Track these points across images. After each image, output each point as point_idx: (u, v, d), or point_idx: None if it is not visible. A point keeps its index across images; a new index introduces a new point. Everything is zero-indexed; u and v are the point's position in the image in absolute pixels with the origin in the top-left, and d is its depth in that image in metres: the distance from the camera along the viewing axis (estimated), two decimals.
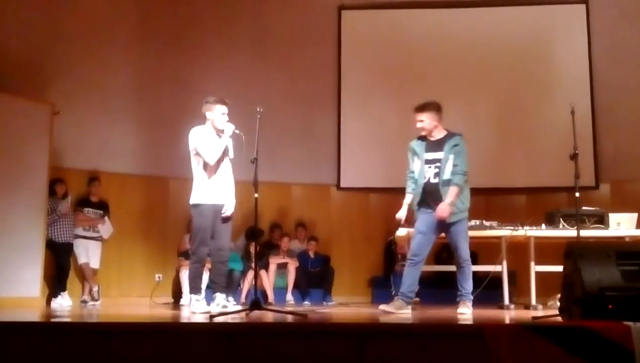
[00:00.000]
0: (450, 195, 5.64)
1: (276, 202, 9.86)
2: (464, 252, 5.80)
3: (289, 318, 4.66)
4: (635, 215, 7.06)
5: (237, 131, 5.75)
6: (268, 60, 10.18)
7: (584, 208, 6.97)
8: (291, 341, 3.58)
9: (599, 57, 10.02)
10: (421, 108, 5.87)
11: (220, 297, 5.89)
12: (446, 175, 5.71)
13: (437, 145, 5.83)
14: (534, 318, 4.83)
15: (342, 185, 10.38)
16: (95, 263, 8.69)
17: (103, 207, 8.87)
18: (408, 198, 5.97)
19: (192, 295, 5.82)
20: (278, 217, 10.01)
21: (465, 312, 5.62)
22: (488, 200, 9.92)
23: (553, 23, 10.32)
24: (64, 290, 8.17)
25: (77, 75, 9.00)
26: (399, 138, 10.26)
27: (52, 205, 8.19)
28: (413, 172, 5.95)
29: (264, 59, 10.17)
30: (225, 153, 5.84)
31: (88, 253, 8.60)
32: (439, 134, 5.87)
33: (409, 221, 6.14)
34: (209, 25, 10.08)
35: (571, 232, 6.68)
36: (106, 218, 8.82)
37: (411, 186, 5.97)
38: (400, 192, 9.91)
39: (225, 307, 5.76)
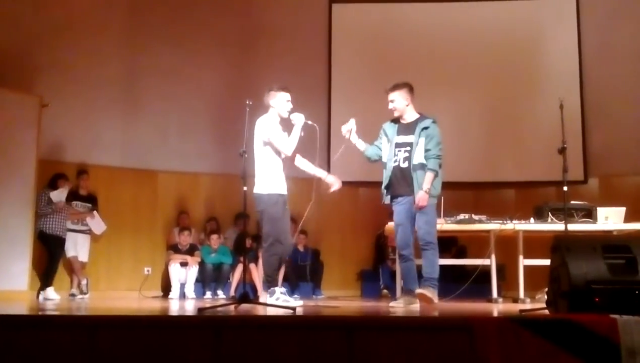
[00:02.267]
0: (426, 181, 5.49)
1: None
2: (426, 232, 5.57)
3: (278, 311, 4.66)
4: (623, 209, 7.11)
5: (310, 122, 5.67)
6: (258, 53, 10.16)
7: (572, 202, 7.01)
8: (280, 334, 3.58)
9: (589, 51, 10.05)
10: (391, 88, 5.78)
11: (278, 291, 5.67)
12: (416, 159, 5.58)
13: (408, 129, 5.71)
14: (522, 311, 4.85)
15: None
16: (83, 257, 8.67)
17: (91, 200, 8.83)
18: (362, 145, 5.89)
19: (275, 288, 5.61)
20: None
21: (428, 293, 5.46)
22: (477, 194, 9.96)
23: (543, 17, 10.34)
24: (49, 285, 8.05)
25: (66, 67, 8.95)
26: None
27: (45, 197, 8.10)
28: (378, 145, 5.88)
29: (255, 52, 10.15)
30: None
31: (76, 247, 8.57)
32: (410, 117, 5.75)
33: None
34: (199, 18, 10.04)
35: (559, 226, 6.70)
36: (96, 213, 8.77)
37: (372, 148, 5.90)
38: None
39: (287, 301, 5.52)
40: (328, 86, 10.45)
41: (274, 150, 5.71)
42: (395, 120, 5.84)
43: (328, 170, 10.21)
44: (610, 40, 9.89)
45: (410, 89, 5.77)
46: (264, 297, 5.67)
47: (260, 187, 5.72)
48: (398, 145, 5.70)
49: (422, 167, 5.55)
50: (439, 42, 10.31)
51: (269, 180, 5.71)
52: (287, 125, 5.83)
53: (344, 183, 10.12)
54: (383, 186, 5.79)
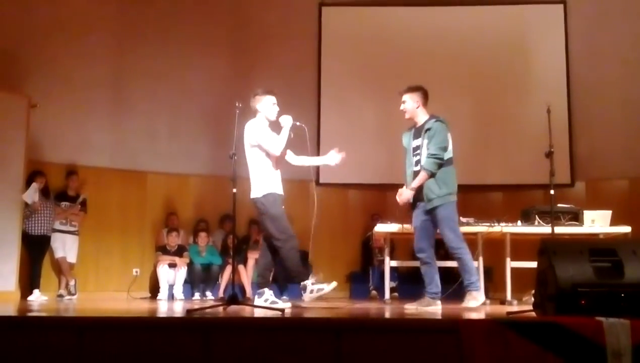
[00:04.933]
0: (415, 180, 5.55)
1: None
2: (449, 239, 5.57)
3: (267, 313, 4.66)
4: (609, 212, 7.16)
5: (298, 123, 5.64)
6: (248, 56, 10.16)
7: (559, 205, 7.05)
8: (268, 336, 3.59)
9: (576, 56, 10.13)
10: (404, 90, 5.82)
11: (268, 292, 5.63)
12: (423, 162, 5.62)
13: (418, 132, 5.74)
14: (509, 313, 4.87)
15: (321, 180, 10.39)
16: (72, 258, 8.64)
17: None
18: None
19: (307, 281, 5.58)
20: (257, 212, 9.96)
21: (472, 304, 5.49)
22: (465, 197, 9.86)
23: (531, 22, 10.42)
24: (37, 287, 8.06)
25: (55, 68, 8.94)
26: (378, 134, 10.39)
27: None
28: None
29: (244, 55, 10.15)
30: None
31: (65, 248, 8.54)
32: (421, 119, 5.77)
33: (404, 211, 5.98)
34: (188, 21, 10.03)
35: (546, 229, 6.75)
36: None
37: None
38: (378, 188, 10.12)
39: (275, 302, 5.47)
40: (317, 89, 10.47)
41: (264, 152, 5.68)
42: (412, 128, 5.86)
43: (317, 173, 10.32)
44: (598, 45, 9.97)
45: (423, 92, 5.80)
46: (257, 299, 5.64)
47: (256, 190, 5.68)
48: (414, 150, 5.76)
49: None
50: (428, 45, 10.36)
51: (263, 182, 5.67)
52: (276, 127, 5.82)
53: (334, 185, 10.31)
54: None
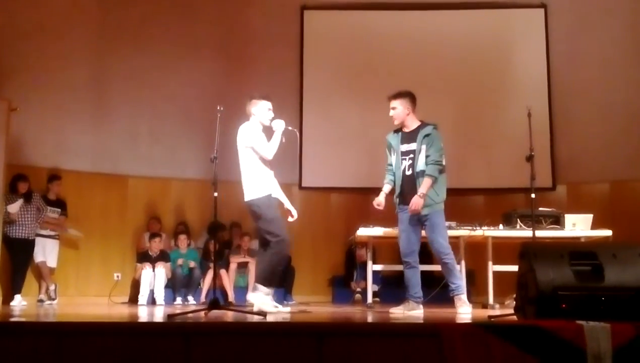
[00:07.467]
0: (422, 186, 5.61)
1: (237, 201, 9.79)
2: (440, 245, 5.73)
3: (248, 317, 4.65)
4: (590, 216, 7.20)
5: (290, 128, 5.73)
6: (230, 59, 10.13)
7: (540, 209, 7.08)
8: (250, 340, 3.58)
9: (557, 60, 10.19)
10: (394, 95, 5.87)
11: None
12: (420, 166, 5.69)
13: (410, 137, 5.81)
14: (490, 317, 4.90)
15: (304, 184, 10.38)
16: (52, 262, 8.56)
17: (61, 205, 8.73)
18: (386, 188, 5.96)
19: (266, 288, 5.59)
20: (239, 216, 9.93)
21: (465, 310, 5.66)
22: (446, 201, 9.99)
23: (512, 27, 10.47)
24: (18, 292, 7.96)
25: (35, 71, 8.85)
26: (361, 138, 10.39)
27: (8, 203, 8.03)
28: (391, 165, 5.95)
29: (226, 58, 10.11)
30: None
31: (45, 252, 8.46)
32: (412, 125, 5.86)
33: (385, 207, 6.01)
34: (169, 24, 9.97)
35: (528, 233, 6.76)
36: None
37: (388, 177, 5.96)
38: (361, 191, 10.12)
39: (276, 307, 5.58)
40: (300, 92, 10.44)
41: (258, 155, 5.74)
42: (398, 130, 5.93)
43: (300, 175, 10.31)
44: (578, 48, 10.04)
45: (412, 98, 5.88)
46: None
47: (250, 193, 5.73)
48: (403, 153, 5.83)
49: (424, 173, 5.66)
50: (409, 49, 10.37)
51: (257, 184, 5.72)
52: (268, 132, 5.86)
53: (316, 189, 10.29)
54: (395, 195, 5.89)
